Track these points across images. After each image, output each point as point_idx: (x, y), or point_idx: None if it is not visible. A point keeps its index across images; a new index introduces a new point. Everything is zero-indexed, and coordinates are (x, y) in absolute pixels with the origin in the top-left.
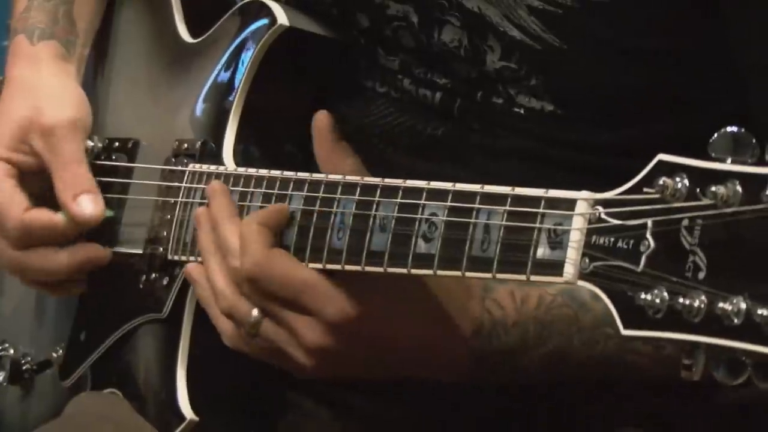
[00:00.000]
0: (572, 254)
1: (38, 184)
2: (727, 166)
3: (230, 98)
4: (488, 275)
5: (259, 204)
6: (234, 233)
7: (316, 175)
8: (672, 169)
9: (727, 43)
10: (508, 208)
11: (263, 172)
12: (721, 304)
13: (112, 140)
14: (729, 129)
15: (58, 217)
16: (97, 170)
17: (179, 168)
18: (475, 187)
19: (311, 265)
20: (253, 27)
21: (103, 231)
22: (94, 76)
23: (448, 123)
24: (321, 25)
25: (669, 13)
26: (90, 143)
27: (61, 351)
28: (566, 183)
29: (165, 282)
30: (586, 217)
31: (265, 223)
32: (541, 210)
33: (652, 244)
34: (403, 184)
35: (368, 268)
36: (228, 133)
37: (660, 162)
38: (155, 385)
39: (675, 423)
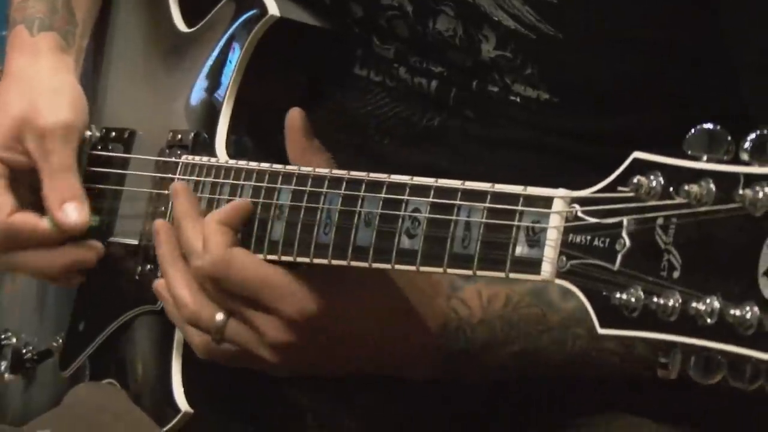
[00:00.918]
0: (549, 252)
1: (30, 181)
2: (701, 164)
3: (222, 89)
4: (469, 272)
5: (249, 198)
6: (197, 233)
7: (304, 169)
8: (647, 167)
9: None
10: (488, 205)
11: (253, 164)
12: (694, 304)
13: (109, 130)
14: (704, 126)
15: (44, 224)
16: (93, 160)
17: (172, 159)
18: (456, 183)
19: (299, 259)
20: (244, 17)
21: (100, 222)
22: (93, 66)
23: (443, 112)
24: (313, 14)
25: (664, 3)
26: (88, 133)
27: (61, 340)
28: (562, 172)
29: (159, 274)
30: (563, 215)
31: (225, 221)
32: (519, 207)
33: (628, 242)
34: (387, 179)
35: (354, 263)
36: (220, 125)
37: (635, 160)
38: (151, 377)
39: (672, 410)
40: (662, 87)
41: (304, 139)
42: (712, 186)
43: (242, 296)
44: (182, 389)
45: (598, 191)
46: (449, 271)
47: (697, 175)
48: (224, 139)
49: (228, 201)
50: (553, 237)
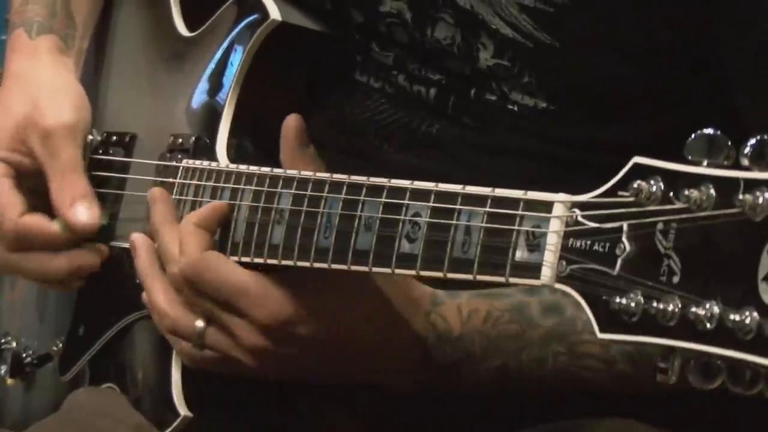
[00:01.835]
0: (549, 257)
1: (34, 182)
2: (701, 169)
3: (223, 93)
4: (469, 276)
5: (249, 203)
6: (174, 239)
7: (305, 173)
8: (647, 172)
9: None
10: (488, 209)
11: (254, 169)
12: (694, 309)
13: (110, 134)
14: (705, 131)
15: (54, 227)
16: (94, 164)
17: (173, 164)
18: (456, 188)
19: (299, 263)
20: (245, 21)
21: (102, 226)
22: (94, 70)
23: (442, 119)
24: (314, 19)
25: (660, 10)
26: (90, 137)
27: (61, 345)
28: (560, 179)
29: None
30: (563, 220)
31: (200, 224)
32: (519, 212)
33: (628, 247)
34: (387, 184)
35: (354, 268)
36: (221, 129)
37: (635, 165)
38: (151, 381)
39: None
40: (659, 94)
41: (297, 147)
42: (712, 191)
43: (216, 299)
44: (181, 393)
45: (599, 196)
46: (449, 275)
47: (697, 180)
48: (225, 143)
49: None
50: (553, 241)
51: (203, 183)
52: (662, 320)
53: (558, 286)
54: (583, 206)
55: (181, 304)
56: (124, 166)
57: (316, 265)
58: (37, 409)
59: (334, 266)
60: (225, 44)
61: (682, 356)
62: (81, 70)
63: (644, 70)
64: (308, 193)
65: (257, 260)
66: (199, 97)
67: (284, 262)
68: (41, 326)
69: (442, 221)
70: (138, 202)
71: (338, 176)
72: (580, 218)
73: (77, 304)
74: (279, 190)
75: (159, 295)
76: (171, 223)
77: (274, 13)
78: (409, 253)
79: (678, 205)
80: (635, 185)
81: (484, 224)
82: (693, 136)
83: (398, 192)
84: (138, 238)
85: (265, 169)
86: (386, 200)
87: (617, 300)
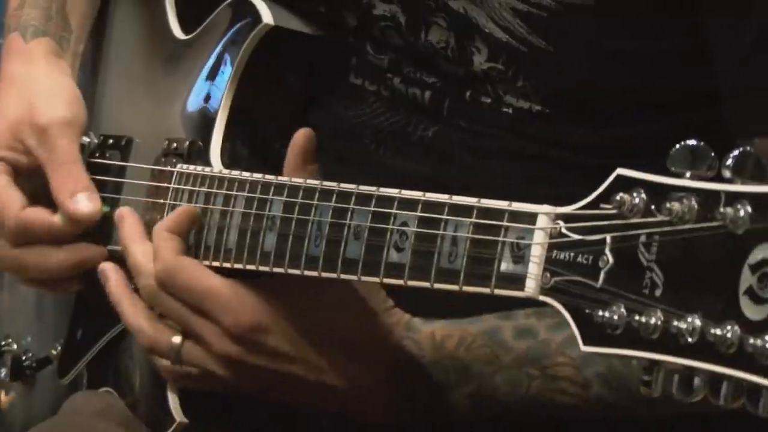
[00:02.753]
0: (534, 269)
1: (32, 183)
2: (683, 181)
3: (217, 98)
4: (455, 287)
5: (242, 209)
6: (144, 252)
7: (295, 180)
8: (630, 184)
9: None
10: (474, 220)
11: (246, 175)
12: (676, 323)
13: (106, 137)
14: (688, 142)
15: (56, 218)
16: (90, 168)
17: (168, 168)
18: (443, 197)
19: (290, 270)
20: (238, 25)
21: (98, 229)
22: (90, 73)
23: (437, 123)
24: (308, 23)
25: (652, 15)
26: (86, 139)
27: (60, 348)
28: (555, 183)
29: None
30: (548, 232)
31: (171, 228)
32: (504, 223)
33: (611, 260)
34: (376, 192)
35: (343, 276)
36: (215, 133)
37: (618, 177)
38: (148, 386)
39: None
40: (653, 98)
41: (301, 162)
42: (694, 203)
43: (190, 305)
44: (178, 399)
45: (582, 207)
46: (436, 285)
47: (679, 193)
48: (219, 147)
49: (221, 211)
50: (537, 253)
51: (196, 188)
52: (645, 333)
53: (542, 298)
54: (567, 218)
55: (155, 320)
56: (121, 170)
57: (307, 273)
58: (35, 412)
59: (324, 274)
60: (219, 48)
61: (665, 369)
62: (77, 73)
63: (638, 74)
64: (299, 200)
65: (249, 267)
66: (193, 100)
67: (275, 270)
68: (41, 329)
69: (429, 231)
70: (134, 206)
71: (328, 184)
72: (564, 230)
73: (76, 307)
74: (270, 197)
75: (133, 315)
76: (139, 238)
77: (267, 17)
78: (397, 262)
79: (660, 218)
80: (618, 197)
81: (470, 234)
82: (676, 146)
83: (386, 201)
84: (106, 266)
85: (257, 176)
86: (375, 209)
87: (600, 313)
